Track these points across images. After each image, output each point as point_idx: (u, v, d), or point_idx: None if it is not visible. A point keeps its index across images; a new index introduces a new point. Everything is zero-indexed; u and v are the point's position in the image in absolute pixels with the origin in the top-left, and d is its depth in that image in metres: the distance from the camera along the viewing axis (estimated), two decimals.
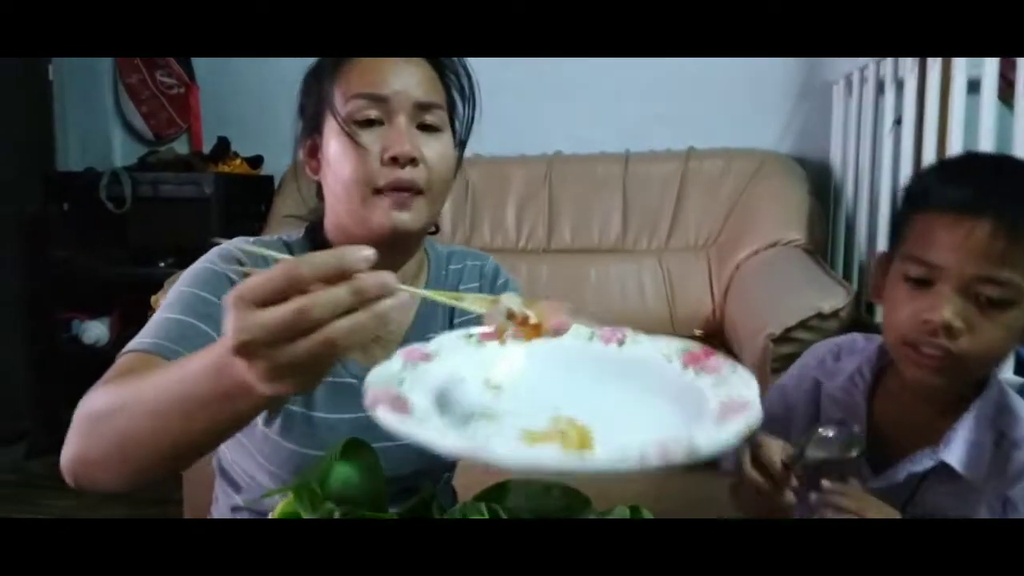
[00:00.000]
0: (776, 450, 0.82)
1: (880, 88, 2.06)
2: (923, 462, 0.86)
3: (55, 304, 2.76)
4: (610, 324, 2.14)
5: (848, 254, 2.27)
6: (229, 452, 0.89)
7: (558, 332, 0.62)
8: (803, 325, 1.60)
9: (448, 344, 0.63)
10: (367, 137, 0.80)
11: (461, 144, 0.91)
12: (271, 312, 0.46)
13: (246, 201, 2.75)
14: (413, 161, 0.80)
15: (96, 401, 0.63)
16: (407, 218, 0.81)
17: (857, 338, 1.01)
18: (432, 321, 0.92)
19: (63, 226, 2.75)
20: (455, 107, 0.88)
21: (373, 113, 0.80)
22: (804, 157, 2.48)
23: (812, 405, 0.99)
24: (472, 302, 0.57)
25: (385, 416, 0.47)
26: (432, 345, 0.62)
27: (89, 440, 0.61)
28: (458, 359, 0.61)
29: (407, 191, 0.80)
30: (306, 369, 0.48)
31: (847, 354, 0.99)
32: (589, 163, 2.53)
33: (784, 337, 1.60)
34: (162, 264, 2.68)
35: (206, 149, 2.92)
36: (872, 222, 2.08)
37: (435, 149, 0.82)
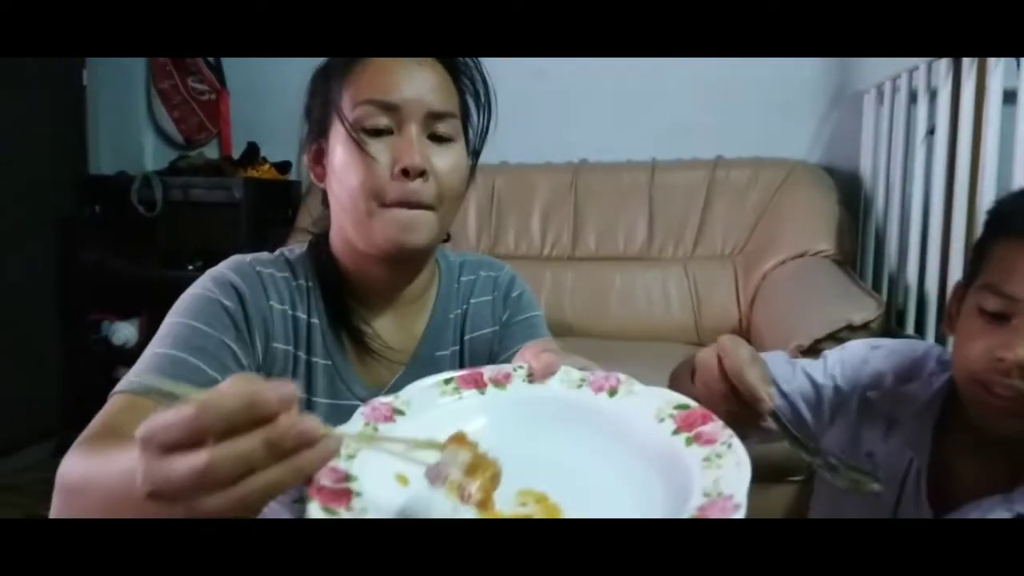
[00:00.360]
0: (756, 377, 0.64)
1: (913, 97, 2.03)
2: (994, 510, 0.77)
3: (86, 305, 2.80)
4: (635, 332, 2.11)
5: (878, 266, 2.24)
6: None
7: (545, 374, 0.61)
8: (832, 337, 1.58)
9: (419, 396, 0.58)
10: (376, 146, 0.76)
11: (475, 154, 0.86)
12: (178, 464, 0.40)
13: (274, 206, 2.78)
14: (423, 174, 0.75)
15: (71, 470, 0.60)
16: (415, 236, 0.77)
17: (931, 358, 0.91)
18: (444, 332, 0.89)
19: (95, 229, 2.80)
20: (469, 115, 0.84)
21: (383, 121, 0.76)
22: (834, 167, 2.46)
23: (859, 419, 0.92)
24: (425, 453, 0.48)
25: (316, 514, 0.44)
26: (402, 397, 0.58)
27: (65, 512, 0.60)
28: (430, 415, 0.57)
29: (416, 207, 0.76)
30: (227, 517, 0.42)
31: (917, 379, 0.90)
32: (615, 171, 2.53)
33: (812, 348, 1.58)
34: (191, 267, 2.71)
35: (235, 154, 2.95)
36: (903, 234, 2.05)
37: (447, 161, 0.78)
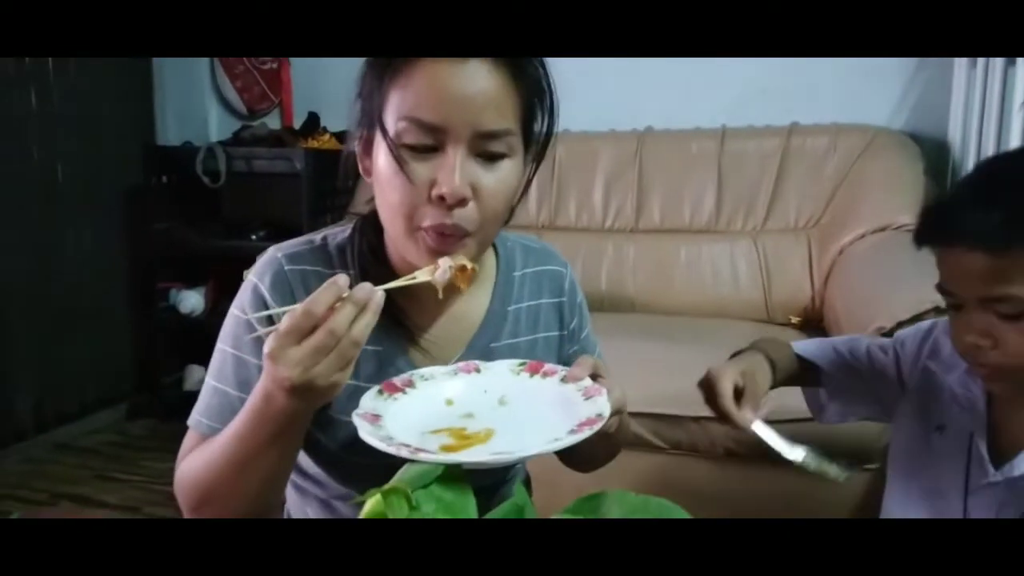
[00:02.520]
0: (726, 382, 0.93)
1: (1010, 60, 1.88)
2: None
3: (154, 274, 2.87)
4: (701, 308, 2.11)
5: None
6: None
7: (573, 379, 0.78)
8: (918, 320, 1.47)
9: (497, 365, 0.83)
10: (416, 166, 0.71)
11: (537, 159, 0.82)
12: (309, 341, 0.63)
13: (335, 176, 2.77)
14: (463, 201, 0.71)
15: (190, 469, 0.79)
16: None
17: None
18: (501, 325, 0.89)
19: (162, 199, 2.85)
20: (532, 119, 0.77)
21: (426, 140, 0.71)
22: (919, 134, 2.30)
23: (924, 392, 0.98)
24: (421, 275, 0.74)
25: (361, 424, 0.69)
26: (486, 364, 0.82)
27: (194, 501, 0.78)
28: (485, 376, 0.82)
29: (452, 235, 0.73)
30: (342, 366, 0.64)
31: None
32: (682, 139, 2.42)
33: (895, 332, 1.48)
34: (255, 238, 2.74)
35: (297, 123, 2.95)
36: None
37: (494, 180, 0.73)
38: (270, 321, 0.78)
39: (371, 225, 0.84)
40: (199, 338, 2.87)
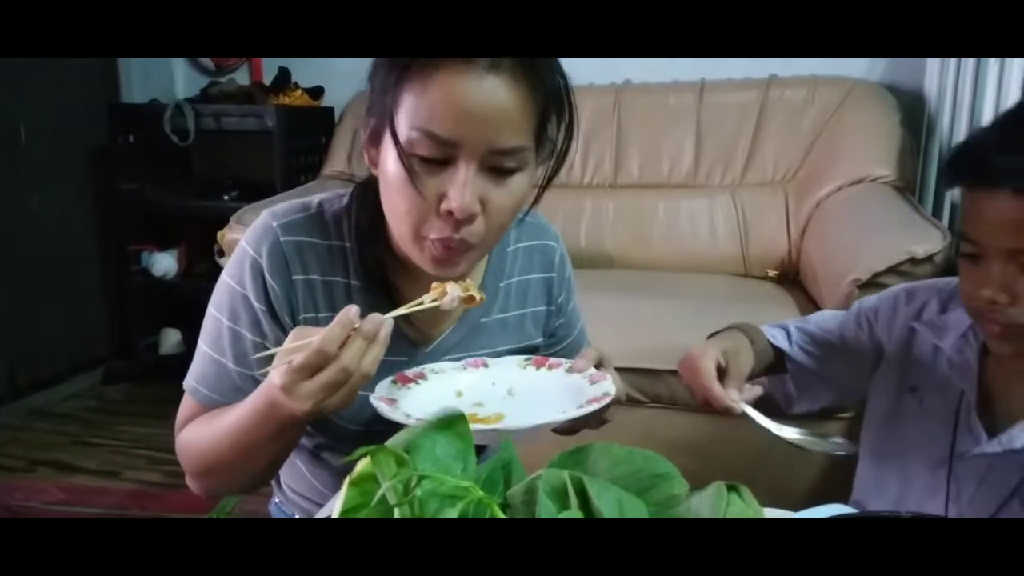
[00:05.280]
0: (708, 361, 0.88)
1: None
2: None
3: (125, 236, 2.80)
4: (679, 263, 2.11)
5: (939, 193, 2.12)
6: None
7: (577, 371, 0.83)
8: (893, 270, 1.50)
9: (504, 361, 0.87)
10: (426, 176, 0.69)
11: (551, 175, 0.79)
12: (321, 377, 0.65)
13: (308, 133, 2.72)
14: (471, 217, 0.70)
15: (190, 442, 0.81)
16: (453, 271, 0.75)
17: None
18: (492, 300, 0.90)
19: (129, 159, 2.76)
20: (544, 131, 0.74)
21: (437, 154, 0.68)
22: (896, 86, 2.30)
23: (903, 353, 0.95)
24: (428, 301, 0.73)
25: (379, 405, 0.73)
26: (494, 360, 0.86)
27: (198, 470, 0.80)
28: (493, 371, 0.86)
29: (457, 247, 0.72)
30: (350, 395, 0.67)
31: (956, 306, 0.91)
32: (661, 93, 2.40)
33: (871, 283, 1.50)
34: (226, 197, 2.68)
35: (267, 79, 2.88)
36: None
37: (504, 196, 0.72)
38: (269, 307, 0.80)
39: (369, 196, 0.81)
40: (174, 301, 2.84)
